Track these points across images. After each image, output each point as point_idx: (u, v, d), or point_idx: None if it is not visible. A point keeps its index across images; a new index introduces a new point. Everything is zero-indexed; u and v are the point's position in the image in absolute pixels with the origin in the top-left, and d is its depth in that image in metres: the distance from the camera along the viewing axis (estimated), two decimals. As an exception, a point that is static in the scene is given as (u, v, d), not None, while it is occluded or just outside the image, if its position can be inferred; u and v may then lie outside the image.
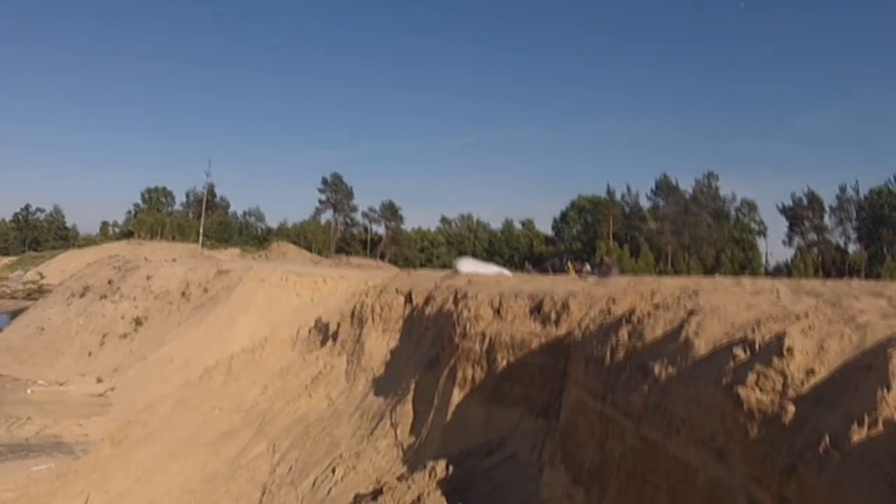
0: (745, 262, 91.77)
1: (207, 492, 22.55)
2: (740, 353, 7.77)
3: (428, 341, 23.54)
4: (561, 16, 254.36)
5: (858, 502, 5.56)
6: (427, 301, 26.21)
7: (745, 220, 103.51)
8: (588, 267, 30.94)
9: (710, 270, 75.09)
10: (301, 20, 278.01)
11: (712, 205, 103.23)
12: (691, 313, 9.24)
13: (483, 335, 17.87)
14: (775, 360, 7.14)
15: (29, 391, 40.62)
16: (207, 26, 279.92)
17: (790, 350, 7.08)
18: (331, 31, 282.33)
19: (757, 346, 7.68)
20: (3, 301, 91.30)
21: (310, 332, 34.37)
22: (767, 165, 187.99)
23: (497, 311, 18.26)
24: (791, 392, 6.84)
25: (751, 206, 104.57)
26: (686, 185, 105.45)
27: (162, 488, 23.66)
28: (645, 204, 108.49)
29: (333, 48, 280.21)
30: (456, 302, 22.41)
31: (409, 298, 28.48)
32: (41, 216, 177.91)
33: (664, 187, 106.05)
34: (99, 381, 41.98)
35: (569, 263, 32.13)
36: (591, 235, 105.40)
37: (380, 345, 27.41)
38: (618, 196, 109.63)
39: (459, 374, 18.10)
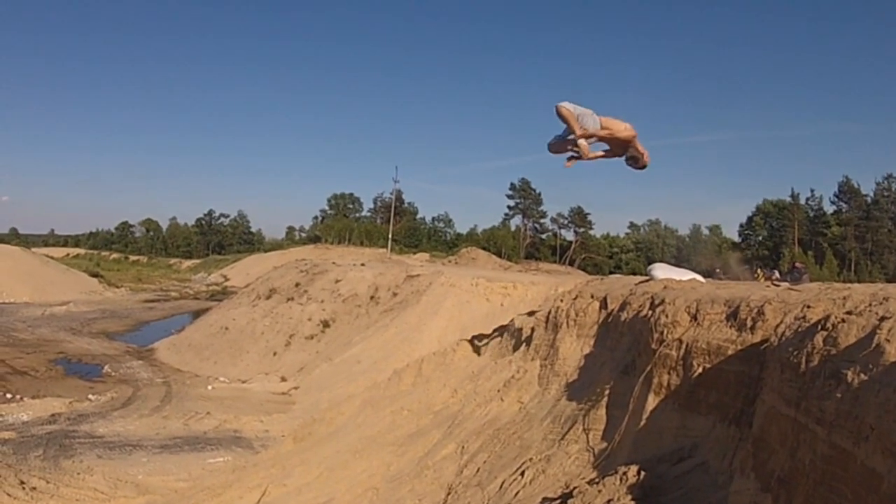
0: None
1: (391, 490, 23.94)
2: (927, 359, 8.26)
3: (623, 347, 24.18)
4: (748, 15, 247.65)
5: None
6: (622, 307, 26.75)
7: None
8: (777, 273, 30.75)
9: (891, 279, 72.46)
10: (486, 25, 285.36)
11: (893, 209, 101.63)
12: (882, 319, 9.75)
13: (680, 341, 18.49)
14: (958, 366, 7.60)
15: (210, 387, 42.47)
16: (394, 34, 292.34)
17: (973, 356, 7.55)
18: (516, 35, 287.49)
19: (943, 353, 8.15)
20: (187, 301, 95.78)
21: (502, 336, 35.65)
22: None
23: (694, 317, 18.85)
24: (971, 398, 7.29)
25: None
26: (867, 189, 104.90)
27: (343, 485, 24.72)
28: (828, 208, 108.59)
29: (519, 52, 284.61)
30: (653, 307, 23.02)
31: (603, 304, 29.09)
32: (225, 221, 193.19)
33: (847, 191, 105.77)
34: (283, 380, 43.94)
35: (758, 270, 32.09)
36: (776, 241, 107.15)
37: (574, 350, 28.08)
38: (802, 200, 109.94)
39: (655, 380, 18.79)
